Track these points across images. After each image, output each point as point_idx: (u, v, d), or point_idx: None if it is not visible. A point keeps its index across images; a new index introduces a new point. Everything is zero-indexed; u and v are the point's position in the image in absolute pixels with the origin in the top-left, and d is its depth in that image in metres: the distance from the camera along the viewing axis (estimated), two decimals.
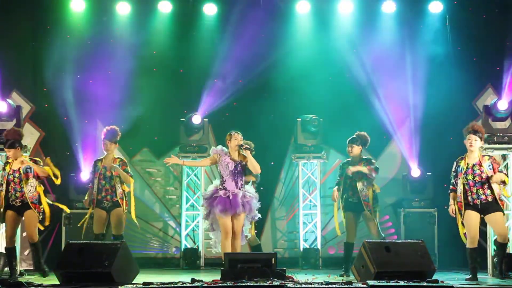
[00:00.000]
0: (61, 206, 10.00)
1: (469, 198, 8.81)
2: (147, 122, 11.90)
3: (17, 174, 9.34)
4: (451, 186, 9.02)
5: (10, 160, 9.43)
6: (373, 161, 9.83)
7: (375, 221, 9.70)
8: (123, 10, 12.00)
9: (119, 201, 9.58)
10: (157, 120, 11.97)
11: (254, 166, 8.76)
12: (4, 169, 9.48)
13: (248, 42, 11.72)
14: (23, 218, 9.41)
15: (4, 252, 9.72)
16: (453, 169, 9.00)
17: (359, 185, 9.69)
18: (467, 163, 8.88)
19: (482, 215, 8.85)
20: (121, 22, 12.07)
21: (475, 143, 8.87)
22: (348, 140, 9.86)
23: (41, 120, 11.92)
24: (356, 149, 9.80)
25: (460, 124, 11.52)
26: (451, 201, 9.02)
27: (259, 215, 9.03)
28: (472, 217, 8.80)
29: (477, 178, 8.80)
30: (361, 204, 9.66)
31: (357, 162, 9.77)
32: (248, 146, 8.84)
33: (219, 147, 8.91)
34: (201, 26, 12.21)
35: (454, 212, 8.98)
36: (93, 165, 9.88)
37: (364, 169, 9.68)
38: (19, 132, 9.58)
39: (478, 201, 8.78)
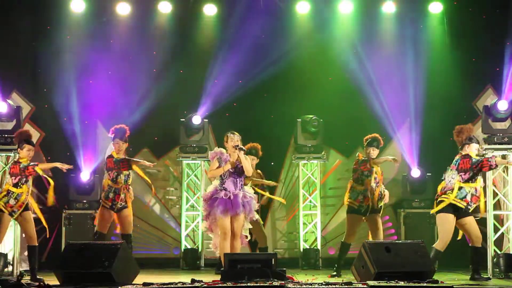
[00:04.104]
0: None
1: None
2: (147, 122, 11.88)
3: None
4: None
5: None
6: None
7: (380, 227, 9.55)
8: (123, 10, 11.98)
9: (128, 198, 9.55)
10: (157, 121, 11.96)
11: (246, 168, 8.70)
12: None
13: (248, 42, 11.72)
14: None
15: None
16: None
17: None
18: None
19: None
20: (121, 22, 12.06)
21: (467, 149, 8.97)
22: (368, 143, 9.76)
23: (41, 120, 11.90)
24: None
25: (460, 124, 11.54)
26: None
27: (258, 216, 9.02)
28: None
29: None
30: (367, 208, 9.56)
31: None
32: (243, 147, 8.77)
33: (217, 149, 8.85)
34: (201, 26, 12.20)
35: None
36: (115, 161, 9.51)
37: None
38: (21, 132, 9.41)
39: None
